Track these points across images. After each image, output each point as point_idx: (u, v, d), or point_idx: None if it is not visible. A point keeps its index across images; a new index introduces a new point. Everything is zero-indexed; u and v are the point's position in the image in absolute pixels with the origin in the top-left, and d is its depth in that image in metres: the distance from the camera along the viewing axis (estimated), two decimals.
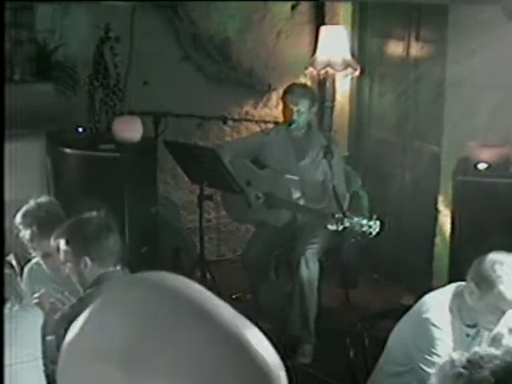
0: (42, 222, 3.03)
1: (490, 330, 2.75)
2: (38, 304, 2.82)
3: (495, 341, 2.80)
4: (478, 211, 3.97)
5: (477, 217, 3.96)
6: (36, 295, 2.90)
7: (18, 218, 3.09)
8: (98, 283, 2.67)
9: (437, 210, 4.75)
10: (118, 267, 2.76)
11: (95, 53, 4.61)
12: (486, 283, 2.64)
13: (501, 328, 2.79)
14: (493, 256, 2.68)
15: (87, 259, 2.68)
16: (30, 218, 3.08)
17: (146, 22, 5.00)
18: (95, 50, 4.61)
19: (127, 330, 0.73)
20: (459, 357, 0.91)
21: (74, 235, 2.73)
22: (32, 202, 3.14)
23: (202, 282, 4.36)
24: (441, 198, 4.71)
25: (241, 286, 4.79)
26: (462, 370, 0.75)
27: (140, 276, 0.80)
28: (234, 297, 4.79)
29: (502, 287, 2.61)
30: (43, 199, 3.22)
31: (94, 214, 2.82)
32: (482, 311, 2.68)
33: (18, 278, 2.95)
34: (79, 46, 4.82)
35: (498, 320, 2.66)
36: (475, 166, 4.10)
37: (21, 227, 3.08)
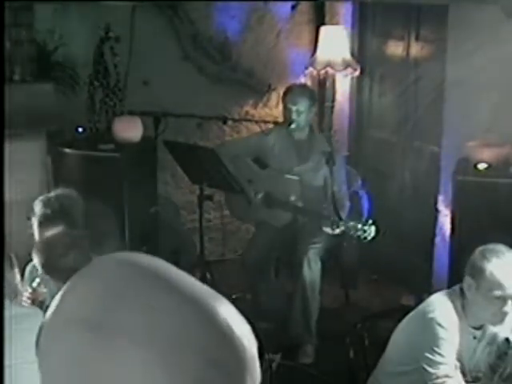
0: (47, 211, 3.01)
1: (496, 325, 2.75)
2: (30, 298, 2.82)
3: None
4: (477, 211, 3.97)
5: (477, 217, 3.95)
6: (29, 290, 2.90)
7: (35, 205, 3.07)
8: None
9: (437, 210, 4.75)
10: None
11: (95, 53, 4.61)
12: (478, 270, 2.67)
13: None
14: (483, 246, 2.72)
15: (50, 279, 2.68)
16: (40, 205, 3.06)
17: (146, 21, 5.00)
18: (95, 49, 4.61)
19: (101, 301, 0.76)
20: None
21: (36, 256, 2.73)
22: (53, 192, 3.14)
23: (202, 282, 4.33)
24: (441, 198, 4.71)
25: (241, 286, 4.79)
26: None
27: (115, 254, 0.85)
28: (234, 297, 4.79)
29: (491, 267, 2.63)
30: (61, 190, 3.18)
31: (58, 229, 2.80)
32: (482, 304, 2.68)
33: (17, 276, 2.95)
34: (79, 46, 4.82)
35: (501, 310, 2.66)
36: (475, 166, 4.10)
37: (34, 210, 3.05)
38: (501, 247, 2.70)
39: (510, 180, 4.02)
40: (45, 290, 2.92)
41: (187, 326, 0.75)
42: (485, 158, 4.09)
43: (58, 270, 2.65)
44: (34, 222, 3.01)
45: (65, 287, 0.80)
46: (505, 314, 2.66)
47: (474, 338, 2.78)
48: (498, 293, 2.63)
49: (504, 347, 2.83)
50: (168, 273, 0.80)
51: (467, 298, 2.73)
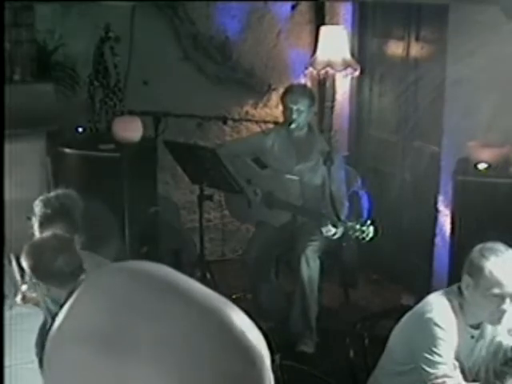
0: (48, 211, 3.02)
1: (495, 324, 2.75)
2: (23, 300, 2.83)
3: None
4: (478, 211, 3.97)
5: (477, 217, 3.96)
6: (20, 293, 2.91)
7: (35, 205, 3.09)
8: None
9: (437, 210, 4.75)
10: (83, 276, 2.68)
11: (95, 53, 4.61)
12: (476, 268, 2.66)
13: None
14: (481, 245, 2.73)
15: (40, 282, 2.67)
16: (41, 205, 3.07)
17: (146, 22, 5.00)
18: (95, 50, 4.61)
19: (110, 315, 0.73)
20: None
21: (25, 260, 2.73)
22: (53, 192, 3.15)
23: (202, 282, 4.34)
24: (441, 198, 4.71)
25: (241, 286, 4.79)
26: None
27: (123, 263, 0.81)
28: (234, 297, 4.79)
29: (490, 266, 2.63)
30: (61, 191, 3.20)
31: (47, 234, 2.79)
32: (480, 302, 2.68)
33: (17, 275, 2.96)
34: (79, 46, 4.82)
35: (499, 308, 2.65)
36: (475, 165, 4.10)
37: (34, 210, 3.07)
38: (499, 246, 2.70)
39: (510, 180, 4.02)
40: (34, 295, 2.92)
41: (200, 338, 0.72)
42: (485, 158, 4.09)
43: (47, 273, 2.65)
44: (35, 222, 3.01)
45: (71, 299, 0.77)
46: (503, 312, 2.66)
47: (472, 337, 2.78)
48: (496, 291, 2.63)
49: (511, 354, 2.82)
50: (177, 281, 0.77)
51: (465, 296, 2.73)
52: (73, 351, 0.73)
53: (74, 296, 0.78)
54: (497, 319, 2.70)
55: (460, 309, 2.74)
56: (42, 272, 2.66)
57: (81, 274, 2.65)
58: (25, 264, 2.72)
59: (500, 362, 2.84)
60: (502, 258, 2.65)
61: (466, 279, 2.71)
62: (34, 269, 2.68)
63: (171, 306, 0.73)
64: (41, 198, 3.11)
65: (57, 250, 2.69)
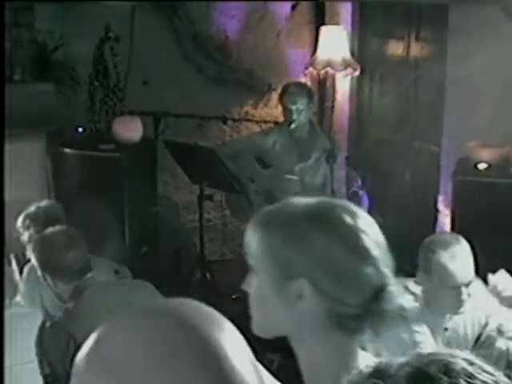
0: (40, 225, 3.04)
1: (455, 314, 2.73)
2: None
3: (487, 344, 2.79)
4: (478, 211, 3.97)
5: (477, 217, 3.95)
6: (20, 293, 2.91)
7: (19, 221, 3.13)
8: (78, 295, 2.62)
9: (437, 210, 4.75)
10: (90, 274, 2.68)
11: (95, 53, 4.61)
12: (426, 261, 2.65)
13: (490, 331, 2.78)
14: (429, 239, 2.71)
15: (47, 275, 2.67)
16: (29, 221, 3.10)
17: (146, 21, 5.00)
18: (95, 50, 4.61)
19: (142, 356, 0.76)
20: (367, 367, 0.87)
21: (34, 252, 2.73)
22: (33, 206, 3.18)
23: (202, 282, 4.35)
24: (441, 198, 4.71)
25: (241, 286, 4.79)
26: (374, 380, 0.72)
27: (155, 305, 0.85)
28: (233, 297, 4.78)
29: (439, 259, 2.60)
30: (44, 203, 3.24)
31: (58, 228, 2.79)
32: (438, 295, 2.67)
33: (16, 275, 2.96)
34: (79, 46, 4.82)
35: (457, 299, 2.63)
36: (475, 165, 4.10)
37: (21, 230, 3.12)
38: (446, 238, 2.70)
39: (510, 180, 4.02)
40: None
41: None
42: (485, 158, 4.09)
43: (56, 267, 2.65)
44: (32, 235, 3.02)
45: (101, 331, 0.80)
46: (462, 301, 2.64)
47: (446, 329, 2.78)
48: (450, 283, 2.61)
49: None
50: (208, 335, 0.79)
51: (426, 292, 2.71)
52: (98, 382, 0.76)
53: (102, 330, 0.80)
54: (456, 309, 2.69)
55: (425, 303, 2.73)
56: (51, 265, 2.66)
57: (87, 272, 2.65)
58: (33, 256, 2.72)
59: (502, 368, 2.83)
60: (450, 251, 2.63)
61: (421, 276, 2.69)
62: (42, 261, 2.68)
63: (192, 356, 0.76)
64: (24, 214, 3.14)
65: (66, 245, 2.70)
